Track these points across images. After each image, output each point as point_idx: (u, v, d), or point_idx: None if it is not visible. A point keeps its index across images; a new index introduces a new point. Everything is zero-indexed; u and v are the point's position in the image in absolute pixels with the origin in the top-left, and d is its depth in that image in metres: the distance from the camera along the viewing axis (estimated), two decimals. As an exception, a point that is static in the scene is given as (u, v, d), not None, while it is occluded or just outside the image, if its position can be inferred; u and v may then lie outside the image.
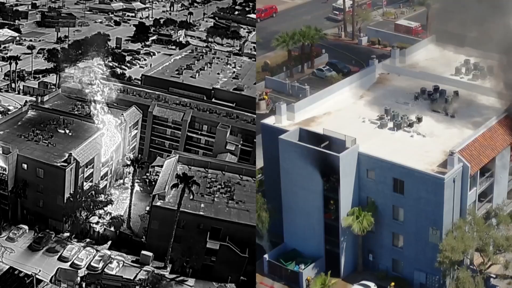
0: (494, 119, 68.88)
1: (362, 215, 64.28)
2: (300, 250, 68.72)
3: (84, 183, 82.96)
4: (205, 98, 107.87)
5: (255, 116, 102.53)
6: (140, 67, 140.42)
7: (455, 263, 60.15)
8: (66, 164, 78.71)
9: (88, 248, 78.03)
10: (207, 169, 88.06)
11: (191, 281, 75.79)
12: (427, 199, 62.00)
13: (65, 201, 78.90)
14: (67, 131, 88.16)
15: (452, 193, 61.83)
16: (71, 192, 79.39)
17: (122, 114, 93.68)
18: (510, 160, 69.34)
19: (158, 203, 77.40)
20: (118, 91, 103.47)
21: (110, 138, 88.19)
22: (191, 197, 76.23)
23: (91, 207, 79.00)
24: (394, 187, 63.78)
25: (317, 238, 67.41)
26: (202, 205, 78.51)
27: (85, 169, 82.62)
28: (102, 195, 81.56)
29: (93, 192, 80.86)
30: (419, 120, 70.04)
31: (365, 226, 64.14)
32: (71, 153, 79.47)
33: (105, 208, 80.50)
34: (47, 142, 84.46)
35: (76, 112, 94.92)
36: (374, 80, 79.60)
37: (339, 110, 72.99)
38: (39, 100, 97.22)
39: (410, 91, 76.17)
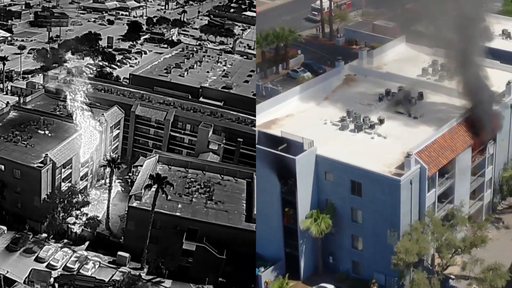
0: (455, 120, 68.70)
1: (320, 217, 64.13)
2: (260, 253, 68.83)
3: (63, 184, 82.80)
4: (190, 97, 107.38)
5: (241, 115, 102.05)
6: (130, 66, 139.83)
7: (411, 264, 59.85)
8: (42, 165, 78.63)
9: (65, 249, 77.71)
10: (187, 169, 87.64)
11: (168, 282, 75.38)
12: (384, 201, 62.01)
13: (41, 201, 78.79)
14: (47, 132, 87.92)
15: (410, 194, 61.71)
16: (48, 193, 79.21)
17: (103, 114, 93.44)
18: (472, 160, 69.00)
19: (134, 204, 77.12)
20: (103, 91, 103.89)
21: (89, 139, 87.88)
22: (167, 197, 75.93)
23: (68, 208, 78.79)
24: (352, 189, 63.93)
25: (276, 241, 67.55)
26: (180, 206, 78.11)
27: (63, 170, 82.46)
28: (80, 196, 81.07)
29: (70, 193, 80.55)
30: (381, 121, 69.99)
31: (322, 229, 64.21)
32: (47, 154, 79.33)
33: (82, 209, 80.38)
34: (25, 143, 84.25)
35: (58, 113, 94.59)
36: (340, 81, 79.39)
37: (302, 112, 73.00)
38: (21, 101, 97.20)
39: (376, 92, 75.98)
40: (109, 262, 77.09)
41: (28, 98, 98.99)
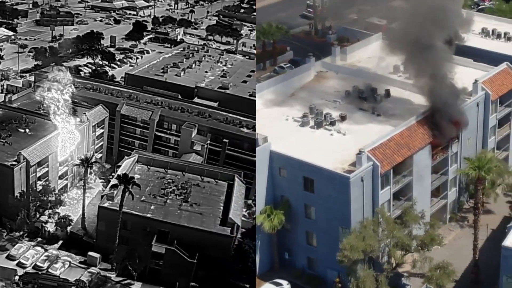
0: (414, 118, 67.55)
1: (273, 213, 63.53)
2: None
3: (39, 182, 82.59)
4: (180, 97, 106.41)
5: (229, 115, 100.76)
6: (131, 65, 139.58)
7: (358, 261, 58.97)
8: (16, 163, 78.49)
9: (37, 248, 77.59)
10: (166, 170, 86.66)
11: (137, 285, 74.52)
12: (336, 198, 61.48)
13: (14, 199, 78.74)
14: (27, 131, 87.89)
15: (361, 192, 61.05)
16: (21, 191, 79.06)
17: (85, 113, 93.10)
18: (433, 159, 67.44)
19: (105, 204, 76.52)
20: (91, 90, 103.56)
21: (69, 137, 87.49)
22: (133, 198, 74.94)
23: (40, 206, 78.63)
24: (305, 185, 63.62)
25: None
26: (152, 207, 77.20)
27: (39, 168, 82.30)
28: (53, 195, 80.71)
29: (43, 191, 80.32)
30: (343, 118, 69.11)
31: (275, 225, 63.89)
32: (20, 152, 79.21)
33: (57, 208, 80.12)
34: (3, 141, 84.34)
35: (41, 111, 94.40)
36: (310, 78, 78.40)
37: (266, 108, 72.51)
38: (7, 99, 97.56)
39: (344, 89, 75.05)
40: (80, 262, 76.71)
41: (14, 97, 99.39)
